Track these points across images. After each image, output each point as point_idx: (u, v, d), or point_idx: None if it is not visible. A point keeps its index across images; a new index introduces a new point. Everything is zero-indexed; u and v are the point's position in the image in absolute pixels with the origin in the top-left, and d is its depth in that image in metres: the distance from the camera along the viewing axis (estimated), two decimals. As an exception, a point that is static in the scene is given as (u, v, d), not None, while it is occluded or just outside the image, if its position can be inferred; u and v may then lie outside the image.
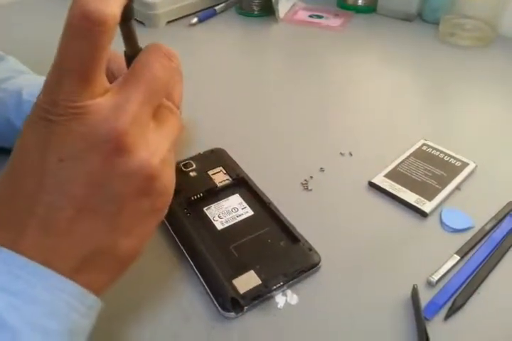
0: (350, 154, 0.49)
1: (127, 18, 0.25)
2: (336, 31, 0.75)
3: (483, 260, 0.37)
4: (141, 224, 0.25)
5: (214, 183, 0.43)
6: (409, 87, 0.62)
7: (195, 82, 0.61)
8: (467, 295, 0.35)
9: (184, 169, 0.45)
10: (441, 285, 0.36)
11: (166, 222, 0.40)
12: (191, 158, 0.46)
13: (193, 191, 0.42)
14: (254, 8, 0.79)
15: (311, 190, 0.45)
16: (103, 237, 0.23)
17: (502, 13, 0.69)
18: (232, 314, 0.33)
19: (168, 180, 0.25)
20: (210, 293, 0.35)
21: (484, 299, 0.35)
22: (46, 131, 0.22)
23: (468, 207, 0.42)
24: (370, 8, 0.80)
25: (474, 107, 0.57)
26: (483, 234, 0.40)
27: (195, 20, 0.77)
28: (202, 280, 0.35)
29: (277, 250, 0.37)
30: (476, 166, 0.46)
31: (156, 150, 0.24)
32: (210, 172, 0.44)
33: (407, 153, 0.48)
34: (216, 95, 0.59)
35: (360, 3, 0.81)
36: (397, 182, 0.44)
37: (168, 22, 0.77)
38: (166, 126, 0.25)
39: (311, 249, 0.37)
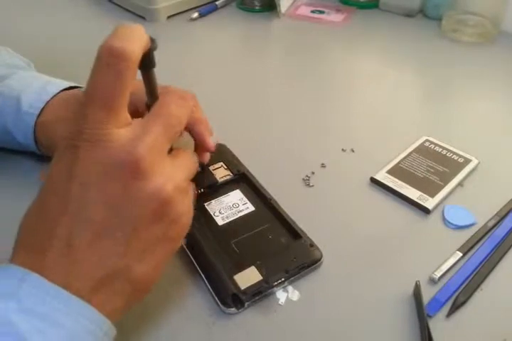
0: (352, 150, 0.49)
1: (148, 66, 0.27)
2: (338, 27, 0.75)
3: (486, 257, 0.37)
4: (154, 250, 0.26)
5: (215, 179, 0.43)
6: (412, 83, 0.62)
7: (196, 77, 0.61)
8: (470, 292, 0.35)
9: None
10: (443, 281, 0.36)
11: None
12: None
13: (194, 186, 0.42)
14: (256, 3, 0.79)
15: (312, 186, 0.44)
16: (117, 260, 0.24)
17: (505, 9, 0.69)
18: (233, 310, 0.33)
19: (183, 209, 0.27)
20: (210, 289, 0.34)
21: (487, 296, 0.35)
22: (72, 156, 0.24)
23: (471, 204, 0.42)
24: (373, 4, 0.80)
25: (477, 103, 0.57)
26: (486, 231, 0.39)
27: (195, 15, 0.76)
28: (203, 275, 0.35)
29: (278, 246, 0.37)
30: (479, 162, 0.46)
31: (170, 177, 0.26)
32: (211, 168, 0.44)
33: (410, 149, 0.48)
34: (217, 90, 0.58)
35: (362, -1, 0.80)
36: (400, 179, 0.44)
37: (169, 17, 0.76)
38: (181, 159, 0.28)
39: (312, 245, 0.37)
